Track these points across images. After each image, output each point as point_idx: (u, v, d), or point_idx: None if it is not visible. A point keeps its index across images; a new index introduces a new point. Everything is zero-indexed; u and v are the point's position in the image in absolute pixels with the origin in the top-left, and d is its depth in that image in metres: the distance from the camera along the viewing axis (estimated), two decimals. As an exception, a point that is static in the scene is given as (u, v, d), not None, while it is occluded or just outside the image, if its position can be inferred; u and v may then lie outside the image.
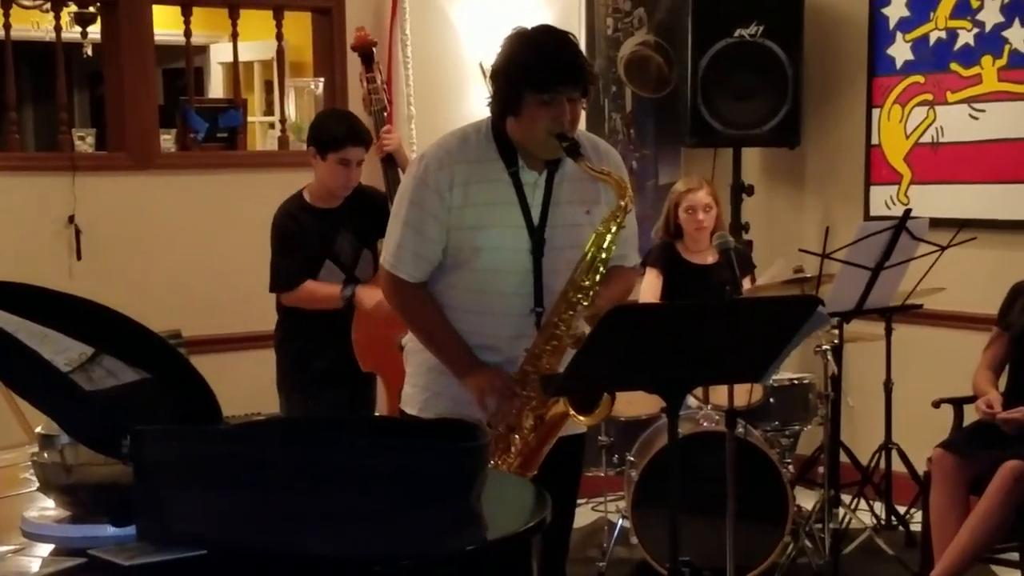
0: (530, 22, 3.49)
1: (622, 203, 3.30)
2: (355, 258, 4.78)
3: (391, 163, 4.99)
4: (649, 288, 5.62)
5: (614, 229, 3.31)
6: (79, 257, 5.39)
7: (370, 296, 4.57)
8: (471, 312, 3.42)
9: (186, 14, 5.83)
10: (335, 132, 4.72)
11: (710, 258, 5.55)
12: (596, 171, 3.30)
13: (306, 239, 4.73)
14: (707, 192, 5.60)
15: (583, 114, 3.38)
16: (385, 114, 5.10)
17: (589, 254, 3.30)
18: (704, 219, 5.56)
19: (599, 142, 3.59)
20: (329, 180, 4.73)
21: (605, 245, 3.30)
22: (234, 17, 5.97)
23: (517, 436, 3.34)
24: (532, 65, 3.27)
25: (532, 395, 3.32)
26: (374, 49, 5.17)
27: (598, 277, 3.31)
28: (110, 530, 2.18)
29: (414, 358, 3.58)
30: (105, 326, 2.35)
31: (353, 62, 5.40)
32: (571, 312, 3.30)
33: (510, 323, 3.39)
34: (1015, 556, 4.81)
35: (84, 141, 5.75)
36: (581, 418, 3.29)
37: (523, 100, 3.27)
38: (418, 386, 3.55)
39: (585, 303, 3.29)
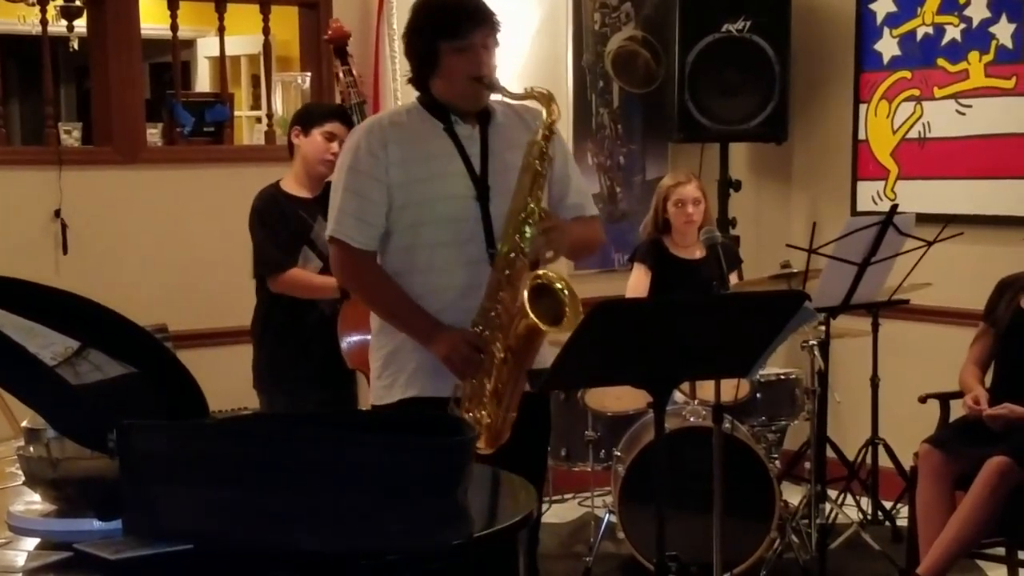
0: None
1: (549, 117, 3.38)
2: None
3: None
4: (637, 284, 5.60)
5: (550, 135, 3.39)
6: (65, 251, 5.37)
7: None
8: (428, 270, 3.45)
9: (173, 8, 5.80)
10: (322, 108, 4.98)
11: (698, 253, 5.54)
12: (518, 93, 3.44)
13: (286, 222, 4.64)
14: (696, 186, 5.58)
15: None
16: (366, 108, 5.07)
17: (526, 168, 3.35)
18: (693, 212, 5.54)
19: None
20: (313, 155, 4.64)
21: (543, 157, 3.36)
22: (221, 11, 5.95)
23: (494, 378, 3.32)
24: (441, 16, 3.43)
25: (498, 334, 3.32)
26: (348, 42, 5.10)
27: (542, 193, 3.36)
28: (96, 524, 2.18)
29: (376, 353, 3.60)
30: (91, 320, 2.35)
31: (340, 57, 5.38)
32: (519, 234, 3.32)
33: (467, 272, 3.42)
34: (1001, 551, 4.82)
35: (70, 135, 5.73)
36: (550, 328, 3.27)
37: (439, 53, 3.41)
38: (391, 375, 3.54)
39: (533, 221, 3.32)
